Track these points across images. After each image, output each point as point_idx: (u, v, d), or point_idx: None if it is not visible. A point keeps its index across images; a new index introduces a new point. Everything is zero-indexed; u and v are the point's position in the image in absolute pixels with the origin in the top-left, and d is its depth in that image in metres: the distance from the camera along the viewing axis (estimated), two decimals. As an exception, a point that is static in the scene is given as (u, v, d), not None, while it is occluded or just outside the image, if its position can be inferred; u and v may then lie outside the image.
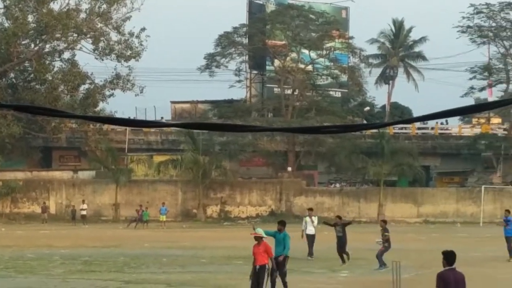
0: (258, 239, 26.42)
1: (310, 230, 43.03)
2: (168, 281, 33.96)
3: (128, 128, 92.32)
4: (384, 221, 40.00)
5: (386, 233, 37.42)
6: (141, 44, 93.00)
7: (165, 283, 33.56)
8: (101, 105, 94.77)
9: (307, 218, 44.13)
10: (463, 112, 8.25)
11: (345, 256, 39.48)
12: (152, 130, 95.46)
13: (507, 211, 41.95)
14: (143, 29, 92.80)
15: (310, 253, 42.40)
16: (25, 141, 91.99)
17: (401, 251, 38.47)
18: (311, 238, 42.83)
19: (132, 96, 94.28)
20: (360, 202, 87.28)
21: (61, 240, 57.32)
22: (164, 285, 32.92)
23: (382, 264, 35.80)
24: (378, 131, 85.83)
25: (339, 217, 44.15)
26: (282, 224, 32.73)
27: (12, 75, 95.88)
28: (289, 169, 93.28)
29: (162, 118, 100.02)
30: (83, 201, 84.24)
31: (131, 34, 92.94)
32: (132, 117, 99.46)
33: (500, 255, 40.80)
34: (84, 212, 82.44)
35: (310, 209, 47.26)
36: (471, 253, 33.39)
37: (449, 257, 18.22)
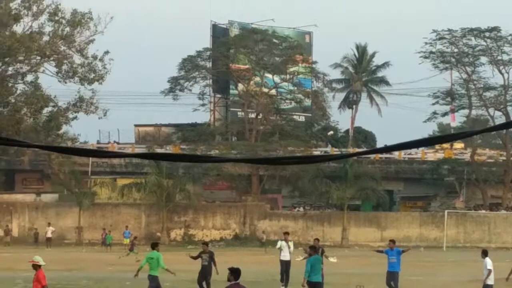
0: (36, 266, 25.43)
1: (285, 256, 39.58)
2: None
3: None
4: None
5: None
6: (105, 67, 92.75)
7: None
8: (64, 127, 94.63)
9: (283, 242, 40.47)
10: (433, 143, 8.29)
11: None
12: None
13: None
14: (106, 52, 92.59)
15: (282, 280, 39.64)
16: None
17: (365, 275, 38.57)
18: (285, 264, 39.57)
19: (95, 119, 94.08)
20: (324, 226, 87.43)
21: (24, 263, 56.91)
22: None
23: None
24: (341, 153, 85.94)
25: (317, 240, 42.00)
26: (313, 248, 33.74)
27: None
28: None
29: (114, 142, 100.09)
30: (49, 224, 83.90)
31: (94, 57, 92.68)
32: (96, 140, 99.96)
33: (463, 279, 40.87)
34: (50, 235, 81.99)
35: (286, 233, 43.40)
36: (435, 277, 33.47)
37: (235, 272, 20.90)
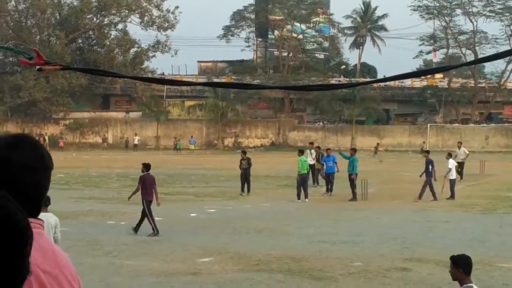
0: None
1: (310, 160, 36.85)
2: (195, 193, 33.88)
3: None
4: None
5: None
6: (175, 18, 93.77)
7: (193, 194, 33.49)
8: (146, 63, 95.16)
9: (308, 151, 38.63)
10: (420, 74, 8.01)
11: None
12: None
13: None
14: (176, 7, 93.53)
15: (313, 181, 37.63)
16: (90, 89, 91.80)
17: (367, 172, 38.27)
18: (310, 167, 36.65)
19: (168, 57, 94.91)
20: (338, 136, 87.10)
21: (117, 163, 57.30)
22: (193, 196, 32.83)
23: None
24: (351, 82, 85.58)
25: (318, 147, 41.16)
26: (353, 150, 33.84)
27: (79, 41, 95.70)
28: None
29: (178, 76, 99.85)
30: (135, 134, 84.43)
31: (167, 10, 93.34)
32: (168, 73, 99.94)
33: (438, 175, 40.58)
34: (136, 142, 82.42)
35: (311, 143, 42.64)
36: (418, 173, 33.13)
37: (146, 166, 21.37)
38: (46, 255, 2.70)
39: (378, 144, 77.70)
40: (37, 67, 5.03)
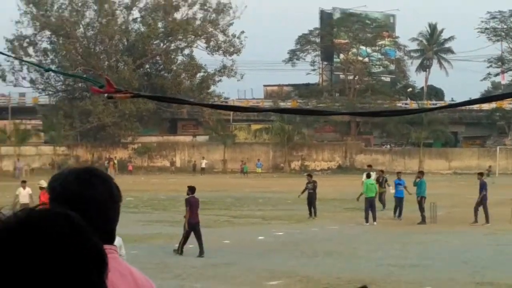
0: (42, 188, 24.19)
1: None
2: (263, 216, 33.88)
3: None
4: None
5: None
6: (241, 43, 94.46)
7: (261, 217, 33.48)
8: (212, 88, 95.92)
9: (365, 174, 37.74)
10: (489, 100, 7.90)
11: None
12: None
13: None
14: (242, 32, 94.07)
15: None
16: (157, 114, 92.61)
17: (436, 195, 37.78)
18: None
19: (234, 81, 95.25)
20: (405, 159, 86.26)
21: (184, 186, 57.24)
22: (260, 219, 32.83)
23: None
24: (418, 105, 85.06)
25: (382, 171, 40.68)
26: (421, 173, 34.27)
27: (147, 66, 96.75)
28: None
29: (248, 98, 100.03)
30: (203, 158, 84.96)
31: (233, 35, 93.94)
32: (235, 97, 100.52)
33: (506, 198, 39.81)
34: (203, 166, 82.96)
35: (369, 166, 43.72)
36: (490, 196, 32.58)
37: (192, 189, 22.20)
38: (124, 277, 2.78)
39: (490, 166, 76.93)
40: (108, 95, 5.08)
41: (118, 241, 12.53)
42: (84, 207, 2.60)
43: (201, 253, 21.13)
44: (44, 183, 24.63)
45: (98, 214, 2.69)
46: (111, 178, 2.96)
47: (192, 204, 21.83)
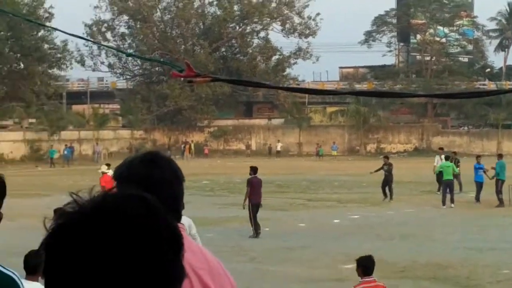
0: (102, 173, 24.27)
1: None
2: (338, 199, 33.86)
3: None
4: None
5: None
6: (316, 25, 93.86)
7: (336, 200, 33.47)
8: (287, 70, 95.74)
9: (438, 156, 37.82)
10: None
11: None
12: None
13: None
14: (317, 14, 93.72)
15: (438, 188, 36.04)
16: (233, 97, 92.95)
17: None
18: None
19: (310, 63, 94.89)
20: (483, 141, 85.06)
21: (260, 169, 57.62)
22: (335, 202, 32.82)
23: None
24: (496, 86, 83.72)
25: (454, 153, 40.66)
26: (500, 155, 34.05)
27: (223, 49, 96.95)
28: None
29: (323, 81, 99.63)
30: (278, 141, 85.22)
31: (309, 17, 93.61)
32: (310, 80, 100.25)
33: None
34: (279, 149, 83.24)
35: (441, 148, 42.36)
36: None
37: (254, 169, 23.01)
38: (196, 253, 2.92)
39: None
40: (188, 79, 5.14)
41: (187, 221, 12.76)
42: (153, 188, 2.70)
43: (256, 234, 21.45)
44: (104, 168, 25.15)
45: (166, 194, 2.76)
46: (174, 160, 3.09)
47: (254, 185, 22.17)
